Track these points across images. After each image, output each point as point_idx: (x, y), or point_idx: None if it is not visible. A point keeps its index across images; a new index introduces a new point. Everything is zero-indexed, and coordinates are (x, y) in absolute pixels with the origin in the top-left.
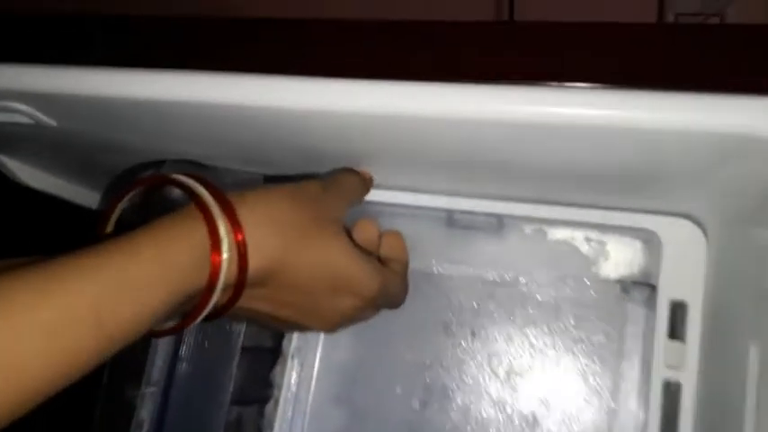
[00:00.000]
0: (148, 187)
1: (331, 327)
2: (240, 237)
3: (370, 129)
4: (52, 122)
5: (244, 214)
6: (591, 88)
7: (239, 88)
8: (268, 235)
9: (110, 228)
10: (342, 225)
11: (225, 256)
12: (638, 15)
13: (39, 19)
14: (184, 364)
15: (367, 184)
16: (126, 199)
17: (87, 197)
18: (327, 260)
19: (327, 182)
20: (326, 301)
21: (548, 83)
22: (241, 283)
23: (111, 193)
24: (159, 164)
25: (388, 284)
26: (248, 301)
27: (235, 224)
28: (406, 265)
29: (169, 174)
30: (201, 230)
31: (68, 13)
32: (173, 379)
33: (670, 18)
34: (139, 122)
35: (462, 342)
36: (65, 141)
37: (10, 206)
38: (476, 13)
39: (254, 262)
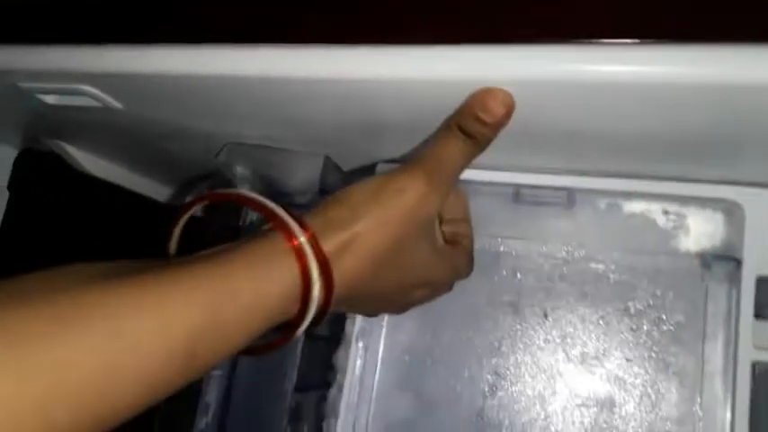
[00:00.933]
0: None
1: (399, 312)
2: (327, 272)
3: (436, 96)
4: (119, 105)
5: (333, 248)
6: (660, 42)
7: (308, 60)
8: (356, 267)
9: (173, 245)
10: (434, 225)
11: (315, 297)
12: None
13: None
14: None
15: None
16: (187, 215)
17: (152, 187)
18: (411, 275)
19: (431, 175)
20: (401, 298)
21: (610, 38)
22: (325, 310)
23: (185, 191)
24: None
25: (457, 268)
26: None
27: (323, 263)
28: (469, 231)
29: (241, 192)
30: (294, 271)
31: None
32: (236, 362)
33: None
34: (205, 102)
35: (533, 323)
36: (131, 126)
37: (74, 195)
38: None
39: (338, 292)
